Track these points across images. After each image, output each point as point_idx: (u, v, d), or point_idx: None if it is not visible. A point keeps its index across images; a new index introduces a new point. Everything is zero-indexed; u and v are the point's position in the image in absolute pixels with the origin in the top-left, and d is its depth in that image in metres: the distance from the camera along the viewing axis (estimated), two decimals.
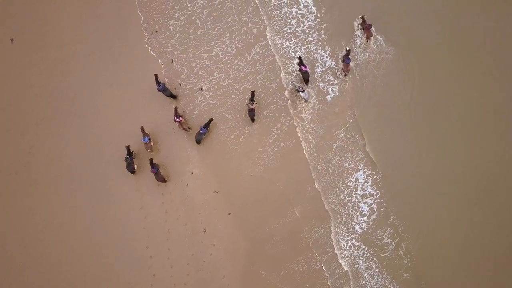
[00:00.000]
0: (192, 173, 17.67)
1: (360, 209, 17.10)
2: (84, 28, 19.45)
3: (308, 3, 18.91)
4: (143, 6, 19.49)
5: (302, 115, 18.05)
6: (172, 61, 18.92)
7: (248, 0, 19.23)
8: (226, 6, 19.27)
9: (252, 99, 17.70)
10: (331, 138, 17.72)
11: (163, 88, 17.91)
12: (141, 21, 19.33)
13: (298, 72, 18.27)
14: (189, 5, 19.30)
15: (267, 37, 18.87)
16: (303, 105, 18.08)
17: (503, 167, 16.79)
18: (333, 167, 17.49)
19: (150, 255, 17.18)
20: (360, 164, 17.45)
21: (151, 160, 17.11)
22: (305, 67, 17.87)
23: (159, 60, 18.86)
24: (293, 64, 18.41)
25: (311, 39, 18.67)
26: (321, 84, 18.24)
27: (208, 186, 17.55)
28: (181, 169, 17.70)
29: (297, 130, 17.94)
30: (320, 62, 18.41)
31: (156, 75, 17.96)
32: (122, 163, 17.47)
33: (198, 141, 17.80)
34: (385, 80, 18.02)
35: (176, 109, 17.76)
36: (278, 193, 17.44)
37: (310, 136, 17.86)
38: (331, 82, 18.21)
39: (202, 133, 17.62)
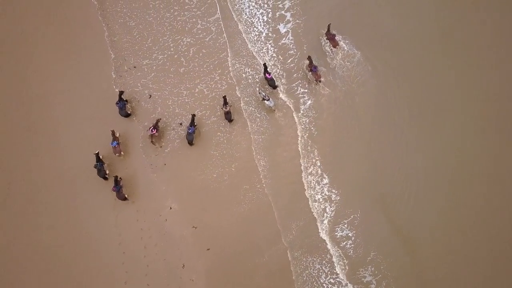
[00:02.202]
0: (170, 208, 17.74)
1: (341, 243, 17.07)
2: (63, 64, 19.73)
3: (289, 42, 19.43)
4: (114, 45, 19.88)
5: (282, 155, 18.27)
6: (150, 96, 19.10)
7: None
8: (219, 42, 19.69)
9: (225, 103, 18.10)
10: (315, 173, 17.87)
11: (120, 107, 18.19)
12: (111, 59, 19.67)
13: (264, 80, 18.72)
14: (171, 45, 19.71)
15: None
16: (291, 139, 18.34)
17: (485, 214, 16.85)
18: (317, 204, 17.55)
19: None
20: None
21: (116, 177, 17.28)
22: (269, 74, 18.27)
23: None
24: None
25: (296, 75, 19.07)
26: (306, 120, 18.51)
27: (187, 221, 17.58)
28: (160, 204, 17.78)
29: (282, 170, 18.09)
30: (304, 98, 18.75)
31: (121, 92, 18.27)
32: (101, 198, 17.68)
33: (190, 142, 18.09)
34: (366, 110, 18.46)
35: (158, 121, 18.13)
36: (260, 230, 17.42)
37: (290, 171, 18.00)
38: (315, 116, 18.49)
39: (192, 132, 17.89)
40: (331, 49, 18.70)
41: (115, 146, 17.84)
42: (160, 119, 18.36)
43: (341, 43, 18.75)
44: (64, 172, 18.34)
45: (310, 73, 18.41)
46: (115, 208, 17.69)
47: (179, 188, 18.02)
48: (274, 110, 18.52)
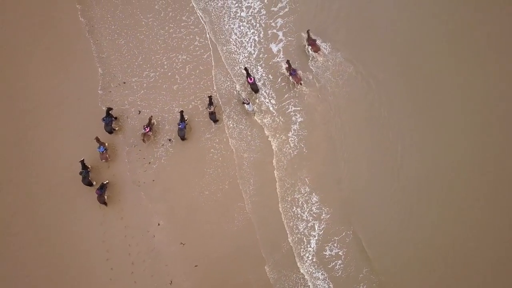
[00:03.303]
0: (159, 224, 17.74)
1: (330, 264, 16.90)
2: (51, 80, 19.87)
3: (281, 60, 19.51)
4: (102, 62, 20.03)
5: (280, 174, 18.20)
6: (139, 112, 19.19)
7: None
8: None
9: (210, 103, 18.28)
10: (303, 191, 17.83)
11: (106, 122, 18.24)
12: (99, 76, 19.81)
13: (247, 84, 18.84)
14: (165, 62, 19.85)
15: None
16: (279, 158, 18.28)
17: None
18: (304, 222, 17.45)
19: None
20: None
21: (103, 183, 17.44)
22: (251, 79, 18.38)
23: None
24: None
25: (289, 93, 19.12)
26: (296, 138, 18.52)
27: (175, 238, 17.54)
28: (148, 220, 17.78)
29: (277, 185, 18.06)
30: (295, 117, 18.76)
31: (109, 109, 18.41)
32: (89, 214, 17.74)
33: (182, 137, 18.21)
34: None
35: (150, 119, 18.31)
36: (248, 248, 17.30)
37: (283, 189, 17.98)
38: (305, 135, 18.49)
39: (182, 128, 18.03)
40: (318, 59, 18.88)
41: (102, 152, 17.85)
42: (152, 116, 18.52)
43: (322, 47, 18.99)
44: (51, 187, 18.39)
45: (290, 77, 18.54)
46: (103, 223, 17.73)
47: (167, 204, 18.03)
48: (254, 115, 18.71)
